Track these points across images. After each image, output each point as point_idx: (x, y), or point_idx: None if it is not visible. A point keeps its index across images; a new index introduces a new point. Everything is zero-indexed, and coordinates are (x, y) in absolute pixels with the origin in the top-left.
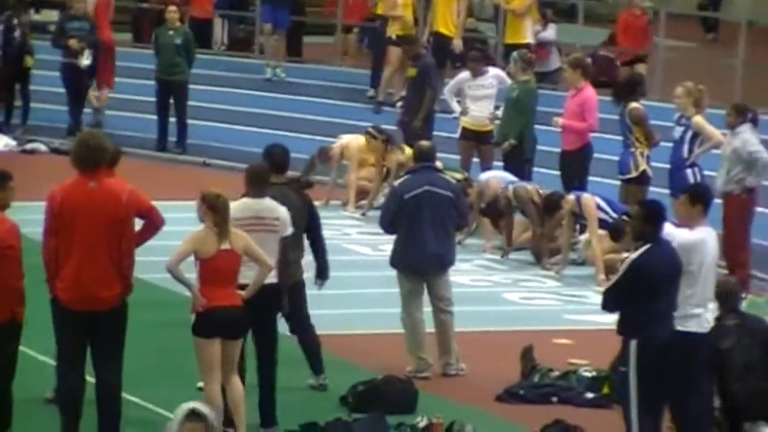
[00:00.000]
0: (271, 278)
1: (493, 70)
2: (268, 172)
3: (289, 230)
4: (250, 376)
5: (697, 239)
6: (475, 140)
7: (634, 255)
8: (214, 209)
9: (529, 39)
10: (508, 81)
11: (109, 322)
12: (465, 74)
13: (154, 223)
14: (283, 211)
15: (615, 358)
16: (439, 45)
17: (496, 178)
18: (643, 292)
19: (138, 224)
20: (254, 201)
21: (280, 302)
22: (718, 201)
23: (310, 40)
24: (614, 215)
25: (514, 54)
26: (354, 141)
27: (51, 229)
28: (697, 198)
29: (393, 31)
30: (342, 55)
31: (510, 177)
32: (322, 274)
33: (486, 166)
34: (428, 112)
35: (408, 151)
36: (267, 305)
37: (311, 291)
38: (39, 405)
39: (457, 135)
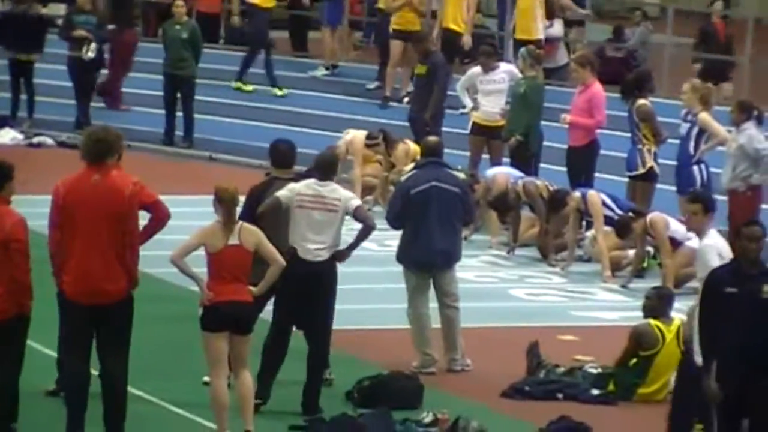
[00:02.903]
0: (318, 257)
1: (504, 66)
2: (336, 161)
3: (354, 202)
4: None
5: (723, 244)
6: (486, 135)
7: None
8: (220, 202)
9: (539, 35)
10: (519, 76)
11: (115, 315)
12: (476, 69)
13: (159, 217)
14: (345, 193)
15: (620, 354)
16: (448, 41)
17: (503, 174)
18: None
19: (144, 218)
20: (319, 183)
21: (328, 284)
22: (723, 198)
23: (314, 35)
24: (620, 212)
25: (522, 50)
26: (359, 136)
27: (55, 222)
28: (710, 206)
29: (393, 25)
30: (349, 50)
31: (517, 173)
32: None
33: (495, 162)
34: (437, 110)
35: (411, 143)
36: (312, 288)
37: None
38: (44, 398)
39: (466, 131)
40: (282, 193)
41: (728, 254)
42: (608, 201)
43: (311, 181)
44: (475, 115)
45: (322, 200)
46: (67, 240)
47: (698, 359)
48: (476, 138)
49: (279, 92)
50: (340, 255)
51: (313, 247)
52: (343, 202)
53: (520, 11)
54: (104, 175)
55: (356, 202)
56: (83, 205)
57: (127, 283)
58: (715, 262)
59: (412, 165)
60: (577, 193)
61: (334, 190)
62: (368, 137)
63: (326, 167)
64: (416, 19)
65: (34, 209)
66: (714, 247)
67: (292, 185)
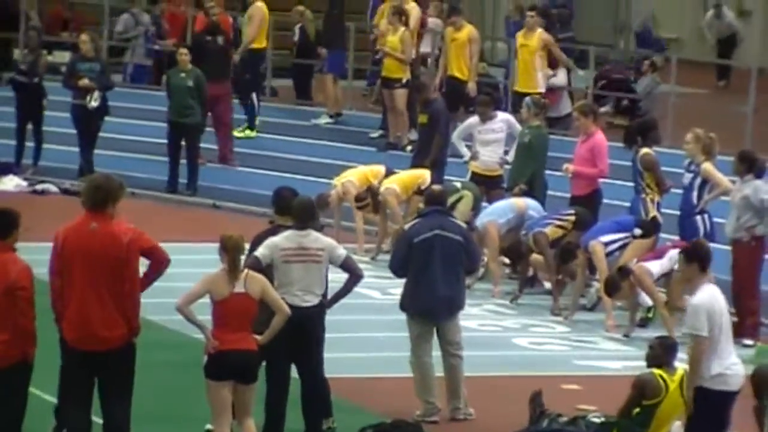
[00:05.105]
0: (307, 302)
1: (501, 115)
2: (313, 205)
3: (340, 252)
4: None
5: (715, 300)
6: (484, 185)
7: None
8: (225, 250)
9: (540, 89)
10: (517, 125)
11: (115, 362)
12: (474, 119)
13: (158, 260)
14: (327, 241)
15: (624, 404)
16: (453, 89)
17: (493, 223)
18: None
19: (143, 265)
20: (299, 233)
21: (317, 326)
22: (727, 248)
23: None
24: (626, 237)
25: (527, 99)
26: (349, 185)
27: (55, 269)
28: (705, 263)
29: (384, 72)
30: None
31: (505, 212)
32: None
33: None
34: (437, 158)
35: (392, 185)
36: (302, 332)
37: None
38: None
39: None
40: (261, 252)
41: (721, 309)
42: (609, 240)
43: (290, 232)
44: (473, 164)
45: (306, 252)
46: (66, 287)
47: None
48: None
49: (251, 133)
50: (326, 304)
51: (301, 295)
52: (328, 252)
53: (520, 64)
54: (102, 222)
55: (342, 252)
56: (81, 253)
57: (127, 331)
58: (703, 325)
59: (414, 210)
60: (581, 250)
61: (316, 239)
62: (357, 199)
63: (304, 215)
64: (399, 67)
65: (37, 256)
66: (703, 308)
67: (270, 240)
